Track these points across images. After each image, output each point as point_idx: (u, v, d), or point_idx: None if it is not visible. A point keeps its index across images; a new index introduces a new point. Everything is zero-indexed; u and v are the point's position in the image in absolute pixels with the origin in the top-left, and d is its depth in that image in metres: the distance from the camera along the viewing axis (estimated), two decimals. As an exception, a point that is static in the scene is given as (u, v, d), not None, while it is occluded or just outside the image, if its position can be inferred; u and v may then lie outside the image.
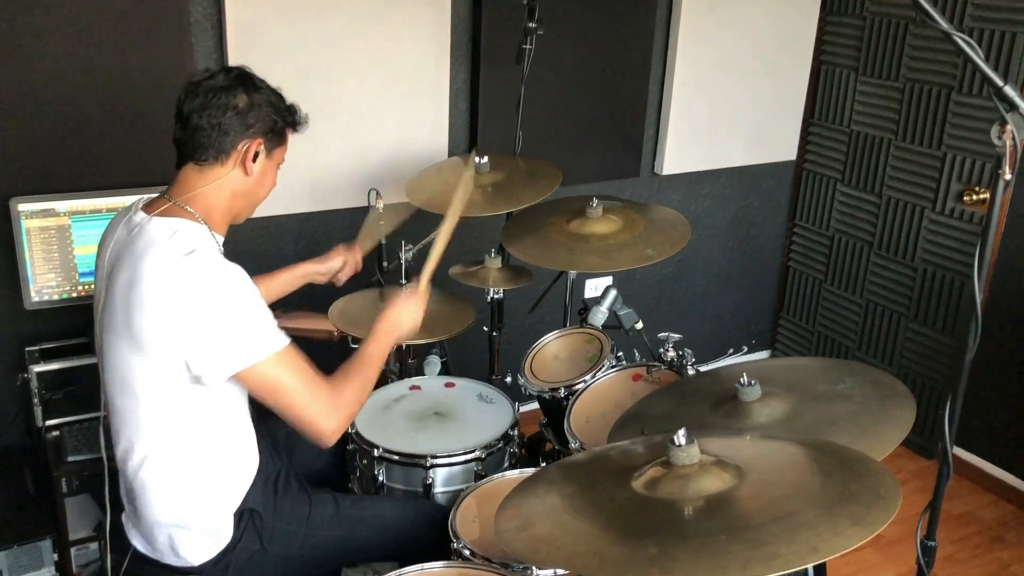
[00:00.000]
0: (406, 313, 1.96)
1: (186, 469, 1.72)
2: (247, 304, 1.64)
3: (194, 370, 1.62)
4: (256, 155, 1.73)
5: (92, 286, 2.45)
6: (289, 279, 2.28)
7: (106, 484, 1.84)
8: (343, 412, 1.73)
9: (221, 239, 1.76)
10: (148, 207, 1.72)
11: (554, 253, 2.43)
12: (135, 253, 1.65)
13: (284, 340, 1.68)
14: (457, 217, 2.15)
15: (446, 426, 2.23)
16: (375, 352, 1.87)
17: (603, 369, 2.33)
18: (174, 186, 1.74)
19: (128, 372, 1.66)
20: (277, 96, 1.78)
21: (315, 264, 2.31)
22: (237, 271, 1.65)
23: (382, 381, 2.49)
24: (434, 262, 2.07)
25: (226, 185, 1.73)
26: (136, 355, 1.63)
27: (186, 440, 1.70)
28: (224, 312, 1.61)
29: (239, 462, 1.81)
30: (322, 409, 1.69)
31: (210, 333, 1.60)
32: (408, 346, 2.61)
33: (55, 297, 2.44)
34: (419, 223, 2.85)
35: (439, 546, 1.85)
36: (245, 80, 1.72)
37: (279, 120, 1.76)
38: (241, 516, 1.81)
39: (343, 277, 2.36)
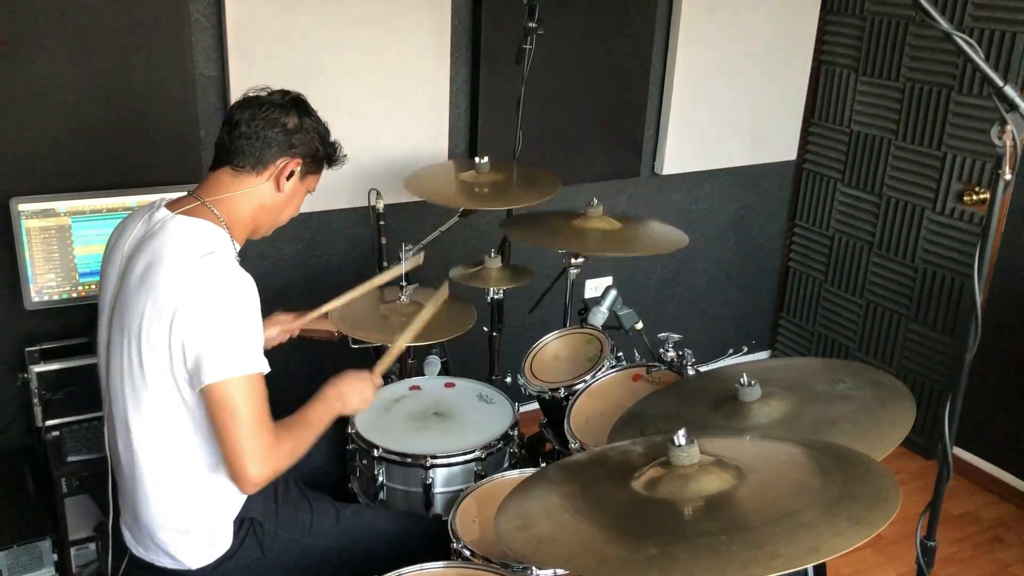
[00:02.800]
0: (356, 390, 1.91)
1: (186, 473, 1.72)
2: (247, 317, 1.65)
3: (188, 366, 1.62)
4: (291, 174, 1.78)
5: (93, 286, 2.45)
6: None
7: (109, 484, 1.84)
8: (273, 464, 1.66)
9: (238, 248, 1.77)
10: (172, 205, 1.74)
11: (562, 237, 2.47)
12: (153, 247, 1.66)
13: (264, 366, 1.66)
14: (420, 328, 2.12)
15: (446, 426, 2.23)
16: (316, 419, 1.81)
17: (603, 369, 2.33)
18: (203, 187, 1.77)
19: (133, 370, 1.66)
20: (325, 128, 1.84)
21: None
22: (248, 282, 1.66)
23: (383, 381, 2.49)
24: (392, 358, 2.06)
25: (256, 195, 1.76)
26: (141, 352, 1.63)
27: (187, 443, 1.70)
28: (223, 318, 1.61)
29: None
30: (257, 452, 1.62)
31: (205, 335, 1.60)
32: (408, 347, 2.60)
33: (55, 297, 2.44)
34: (419, 223, 2.85)
35: (439, 557, 1.85)
36: (299, 104, 1.79)
37: (321, 149, 1.82)
38: (241, 524, 1.81)
39: (268, 345, 2.17)
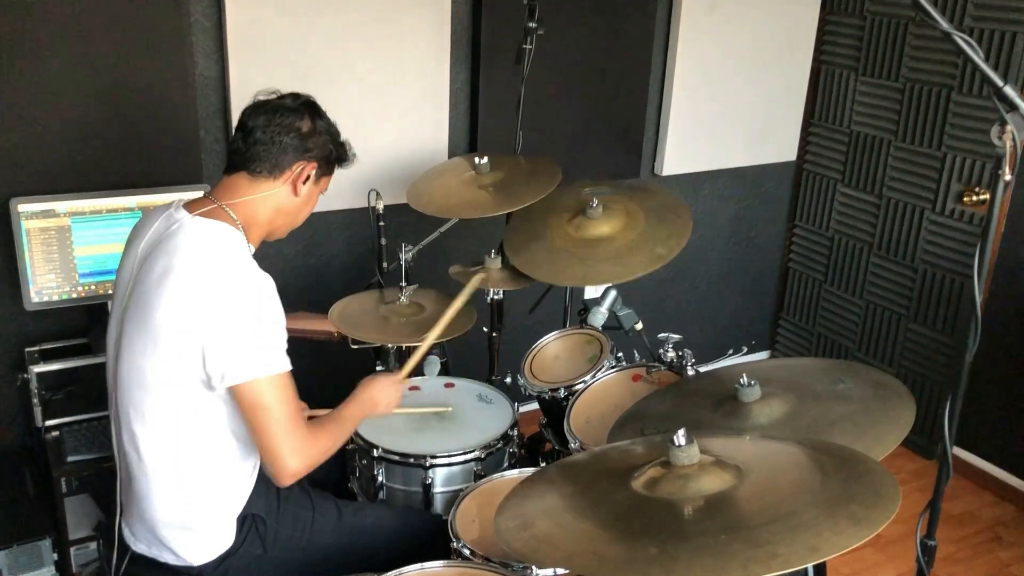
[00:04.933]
0: (386, 394, 1.99)
1: (191, 470, 1.72)
2: (268, 317, 1.67)
3: (208, 369, 1.63)
4: (308, 178, 1.80)
5: (93, 287, 2.45)
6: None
7: (119, 484, 1.84)
8: (309, 457, 1.73)
9: (252, 250, 1.78)
10: (190, 206, 1.75)
11: (568, 267, 2.39)
12: (171, 247, 1.67)
13: (288, 364, 1.70)
14: (449, 319, 2.18)
15: (446, 426, 2.23)
16: (349, 417, 1.91)
17: (603, 370, 2.33)
18: (220, 190, 1.78)
19: (143, 368, 1.67)
20: (336, 130, 1.86)
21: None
22: (267, 282, 1.68)
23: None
24: (419, 356, 2.11)
25: (272, 199, 1.78)
26: (153, 350, 1.64)
27: (193, 441, 1.71)
28: (245, 320, 1.63)
29: (243, 465, 1.81)
30: (294, 446, 1.69)
31: (228, 337, 1.62)
32: (408, 347, 2.60)
33: (55, 298, 2.43)
34: (420, 224, 2.85)
35: (439, 556, 1.85)
36: (311, 107, 1.81)
37: (334, 150, 1.85)
38: (244, 521, 1.82)
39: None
